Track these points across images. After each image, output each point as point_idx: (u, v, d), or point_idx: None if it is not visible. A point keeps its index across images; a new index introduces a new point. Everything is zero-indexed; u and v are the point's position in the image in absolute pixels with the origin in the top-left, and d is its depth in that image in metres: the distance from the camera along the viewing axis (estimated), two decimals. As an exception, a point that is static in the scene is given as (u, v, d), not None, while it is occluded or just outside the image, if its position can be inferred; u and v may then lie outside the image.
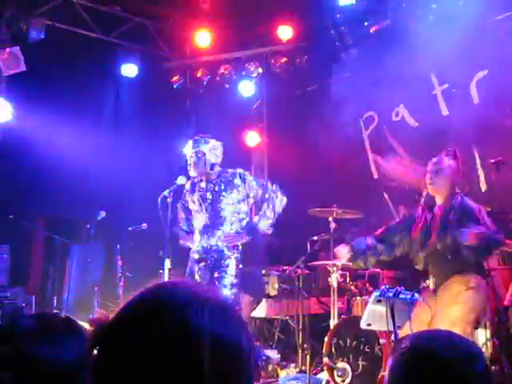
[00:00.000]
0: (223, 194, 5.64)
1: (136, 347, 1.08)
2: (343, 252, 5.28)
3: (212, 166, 5.69)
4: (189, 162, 5.71)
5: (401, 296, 4.07)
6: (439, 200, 4.97)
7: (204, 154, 5.65)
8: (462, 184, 5.11)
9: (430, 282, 4.84)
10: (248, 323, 6.81)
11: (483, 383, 1.66)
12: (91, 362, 1.12)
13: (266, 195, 5.83)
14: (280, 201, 5.89)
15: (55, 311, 6.91)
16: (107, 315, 1.19)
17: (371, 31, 8.43)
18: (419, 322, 4.33)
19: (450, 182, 4.92)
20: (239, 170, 5.80)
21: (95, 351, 1.13)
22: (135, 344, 1.08)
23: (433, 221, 4.86)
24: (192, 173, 5.74)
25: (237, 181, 5.69)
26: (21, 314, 4.14)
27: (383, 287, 4.29)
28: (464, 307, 4.60)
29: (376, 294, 4.20)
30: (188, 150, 5.71)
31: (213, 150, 5.69)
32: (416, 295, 4.12)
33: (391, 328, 4.06)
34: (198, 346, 1.07)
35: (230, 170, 5.79)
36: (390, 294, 4.07)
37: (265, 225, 5.79)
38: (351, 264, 5.52)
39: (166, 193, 5.53)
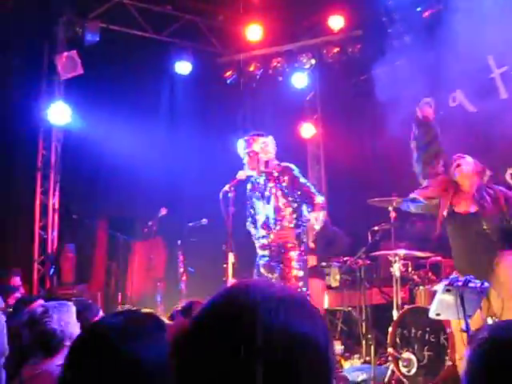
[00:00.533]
0: (279, 188, 5.65)
1: (211, 352, 1.09)
2: None
3: (266, 164, 5.71)
4: (244, 162, 5.75)
5: (470, 285, 4.02)
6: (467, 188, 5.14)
7: (256, 154, 5.67)
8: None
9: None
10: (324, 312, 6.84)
11: None
12: (173, 367, 1.15)
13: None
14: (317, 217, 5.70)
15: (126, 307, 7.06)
16: (185, 320, 1.21)
17: (424, 16, 8.30)
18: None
19: (473, 171, 5.14)
20: (285, 165, 5.77)
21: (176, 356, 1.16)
22: (210, 349, 1.10)
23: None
24: (249, 172, 5.77)
25: (285, 175, 5.69)
26: (92, 310, 4.23)
27: (452, 276, 4.25)
28: None
29: (445, 283, 4.16)
30: (240, 150, 5.75)
31: (264, 147, 5.69)
32: (486, 284, 4.06)
33: (461, 317, 4.01)
34: (271, 346, 1.08)
35: (283, 164, 5.78)
36: (460, 283, 4.02)
37: (319, 215, 5.65)
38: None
39: (226, 187, 5.57)
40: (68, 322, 3.41)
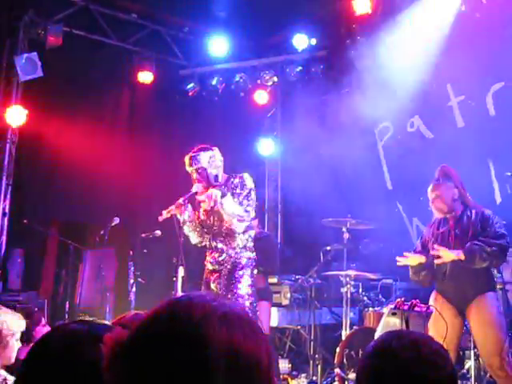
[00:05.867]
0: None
1: (153, 368, 1.06)
2: (416, 257, 4.85)
3: (216, 178, 5.62)
4: (193, 179, 5.64)
5: (416, 309, 4.04)
6: (451, 219, 4.98)
7: (204, 169, 5.57)
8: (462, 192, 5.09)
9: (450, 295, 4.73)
10: (268, 333, 6.74)
11: None
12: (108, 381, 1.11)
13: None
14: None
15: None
16: (124, 332, 1.16)
17: (387, 41, 8.41)
18: (436, 334, 4.28)
19: (451, 199, 4.96)
20: (243, 175, 5.64)
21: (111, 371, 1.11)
22: (152, 365, 1.06)
23: (449, 238, 4.84)
24: (200, 188, 5.66)
25: (239, 186, 5.58)
26: (34, 319, 4.14)
27: (399, 300, 4.25)
28: (497, 319, 4.62)
29: (391, 306, 4.17)
30: (188, 168, 5.64)
31: (211, 161, 5.59)
32: (431, 308, 4.08)
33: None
34: (216, 363, 1.05)
35: (237, 179, 5.65)
36: (405, 307, 4.04)
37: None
38: (413, 275, 4.89)
39: (180, 200, 5.49)
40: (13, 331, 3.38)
